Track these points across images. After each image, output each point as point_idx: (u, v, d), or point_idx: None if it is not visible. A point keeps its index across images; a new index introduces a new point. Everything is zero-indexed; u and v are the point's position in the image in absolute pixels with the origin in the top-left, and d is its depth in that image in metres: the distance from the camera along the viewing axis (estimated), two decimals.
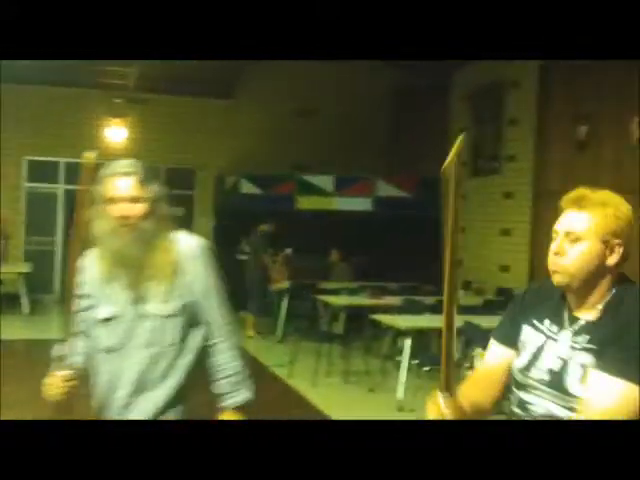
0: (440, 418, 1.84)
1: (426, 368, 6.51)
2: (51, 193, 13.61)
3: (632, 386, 1.77)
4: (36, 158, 13.38)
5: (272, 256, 10.80)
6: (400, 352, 7.23)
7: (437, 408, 1.84)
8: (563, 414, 1.89)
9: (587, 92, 9.20)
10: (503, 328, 2.11)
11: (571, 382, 1.88)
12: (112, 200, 2.38)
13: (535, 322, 2.03)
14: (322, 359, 7.87)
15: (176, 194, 14.07)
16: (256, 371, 8.93)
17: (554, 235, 1.96)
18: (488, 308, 8.17)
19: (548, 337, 1.98)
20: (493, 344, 2.11)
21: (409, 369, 6.84)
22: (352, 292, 9.36)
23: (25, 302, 11.51)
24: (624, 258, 1.91)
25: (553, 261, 1.94)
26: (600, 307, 1.91)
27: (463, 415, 1.87)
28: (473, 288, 10.89)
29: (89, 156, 2.40)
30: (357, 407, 6.92)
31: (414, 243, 10.69)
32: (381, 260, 11.43)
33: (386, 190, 12.29)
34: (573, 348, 1.90)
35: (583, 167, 9.29)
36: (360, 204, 12.37)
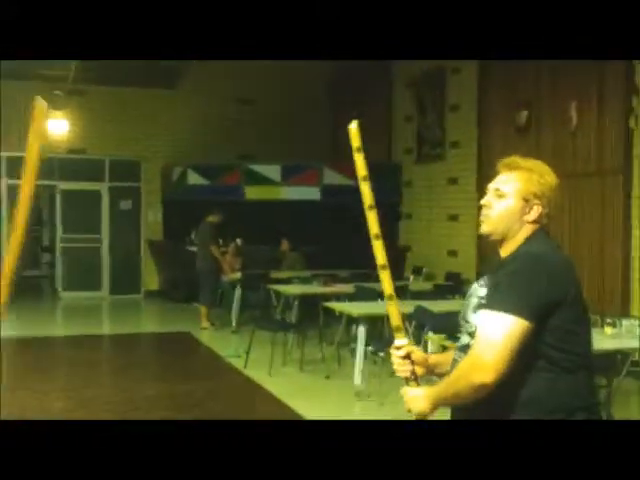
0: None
1: (381, 354, 6.65)
2: None
3: (500, 318, 2.03)
4: None
5: (222, 247, 10.83)
6: (354, 339, 7.36)
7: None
8: (467, 340, 2.21)
9: (526, 77, 9.43)
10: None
11: (469, 311, 2.24)
12: None
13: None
14: (277, 348, 7.96)
15: (123, 186, 13.97)
16: (212, 362, 9.00)
17: (486, 191, 2.26)
18: (438, 293, 8.38)
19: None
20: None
21: (364, 356, 6.97)
22: (304, 281, 9.46)
23: None
24: (541, 217, 2.21)
25: (482, 213, 2.25)
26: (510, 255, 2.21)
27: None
28: (423, 273, 11.10)
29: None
30: (315, 395, 7.04)
31: (362, 230, 10.80)
32: (330, 248, 11.56)
33: (332, 178, 12.40)
34: (480, 285, 2.24)
35: (524, 152, 9.47)
36: (308, 193, 12.45)
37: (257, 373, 7.71)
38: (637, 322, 5.75)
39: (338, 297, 8.64)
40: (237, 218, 11.12)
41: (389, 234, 11.02)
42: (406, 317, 6.04)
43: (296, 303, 8.50)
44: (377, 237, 2.27)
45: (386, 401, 6.40)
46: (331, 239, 11.78)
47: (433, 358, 2.40)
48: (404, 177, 12.32)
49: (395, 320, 2.28)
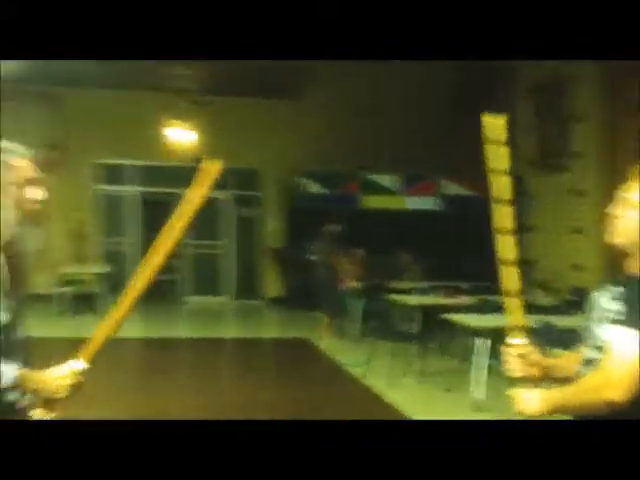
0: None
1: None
2: (120, 196, 14.04)
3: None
4: (104, 161, 13.78)
5: (342, 256, 10.93)
6: (476, 352, 7.30)
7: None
8: (593, 354, 2.15)
9: None
10: None
11: (594, 324, 2.17)
12: None
13: None
14: (397, 359, 7.99)
15: (243, 195, 14.35)
16: (332, 370, 9.08)
17: (616, 199, 2.13)
18: (563, 307, 8.19)
19: None
20: None
21: (489, 369, 6.90)
22: (424, 292, 9.44)
23: (103, 301, 11.89)
24: None
25: (611, 222, 2.13)
26: None
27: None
28: (549, 288, 10.87)
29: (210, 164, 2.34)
30: (433, 407, 7.03)
31: (482, 241, 10.67)
32: (450, 259, 11.48)
33: (451, 189, 12.34)
34: (603, 297, 2.16)
35: None
36: (426, 203, 12.44)
37: (376, 383, 7.77)
38: None
39: (459, 309, 8.58)
40: (356, 227, 11.22)
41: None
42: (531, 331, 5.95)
43: (418, 314, 8.49)
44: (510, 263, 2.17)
45: (507, 415, 6.31)
46: (450, 251, 11.70)
47: (551, 361, 2.33)
48: (524, 188, 12.11)
49: (514, 318, 2.21)
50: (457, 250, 11.60)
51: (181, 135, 13.63)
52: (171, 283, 16.78)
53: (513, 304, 2.19)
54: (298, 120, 13.95)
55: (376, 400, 7.22)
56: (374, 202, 12.46)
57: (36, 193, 2.17)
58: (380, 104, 13.67)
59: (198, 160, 2.43)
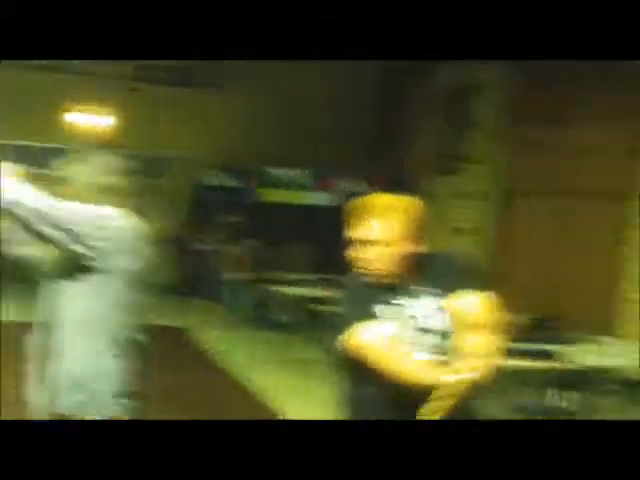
0: None
1: None
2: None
3: None
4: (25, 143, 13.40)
5: (235, 247, 10.96)
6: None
7: None
8: None
9: (551, 93, 9.35)
10: None
11: None
12: None
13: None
14: (269, 347, 8.04)
15: (147, 183, 14.15)
16: (205, 358, 8.96)
17: (363, 243, 2.33)
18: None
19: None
20: None
21: None
22: (308, 284, 9.51)
23: None
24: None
25: (374, 266, 2.31)
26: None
27: None
28: None
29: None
30: (300, 394, 7.12)
31: None
32: (341, 254, 11.59)
33: (350, 185, 12.48)
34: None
35: (541, 169, 9.48)
36: (324, 198, 12.55)
37: (247, 370, 7.80)
38: (620, 342, 5.76)
39: (329, 300, 8.68)
40: (253, 220, 11.25)
41: None
42: None
43: (295, 304, 8.56)
44: None
45: None
46: (342, 245, 11.82)
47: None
48: (423, 189, 12.31)
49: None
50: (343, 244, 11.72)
51: (100, 120, 13.42)
52: None
53: None
54: (207, 112, 13.84)
55: (242, 388, 7.26)
56: (273, 196, 12.51)
57: None
58: (292, 100, 13.69)
59: (107, 145, 2.48)
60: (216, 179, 12.67)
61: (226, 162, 13.01)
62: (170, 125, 13.80)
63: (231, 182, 12.68)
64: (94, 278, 2.45)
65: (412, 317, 2.30)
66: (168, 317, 11.70)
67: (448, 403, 2.13)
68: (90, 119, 13.33)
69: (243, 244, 11.33)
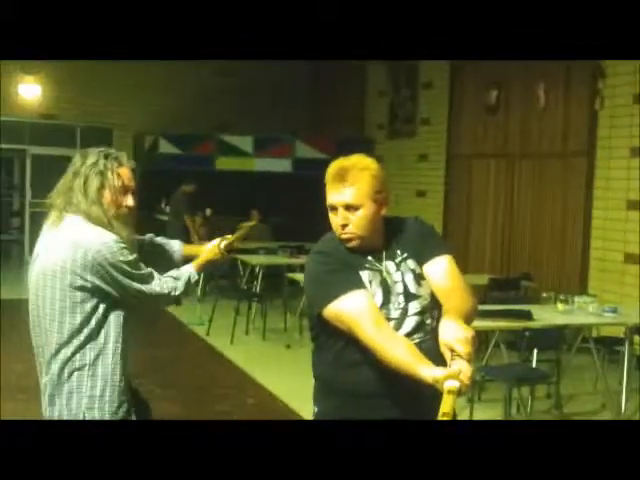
0: None
1: None
2: None
3: None
4: None
5: (192, 217, 10.84)
6: None
7: None
8: None
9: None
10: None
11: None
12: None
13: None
14: (240, 317, 8.04)
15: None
16: (175, 330, 9.03)
17: (334, 209, 2.33)
18: None
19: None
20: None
21: None
22: (271, 252, 9.51)
23: None
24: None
25: (343, 232, 2.32)
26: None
27: None
28: None
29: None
30: (274, 363, 7.15)
31: None
32: (299, 221, 11.60)
33: (305, 151, 12.43)
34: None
35: (492, 131, 9.64)
36: (279, 165, 12.48)
37: (219, 341, 7.80)
38: (590, 300, 5.86)
39: (303, 268, 8.71)
40: (208, 189, 11.11)
41: None
42: None
43: (261, 273, 8.55)
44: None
45: None
46: (300, 212, 11.82)
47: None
48: (376, 152, 12.37)
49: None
50: (308, 211, 11.73)
51: (27, 90, 13.05)
52: (15, 243, 16.14)
53: None
54: (158, 80, 13.57)
55: (219, 358, 7.26)
56: (228, 164, 12.37)
57: (129, 200, 2.64)
58: (241, 65, 13.54)
59: (52, 116, 2.49)
60: (171, 148, 12.44)
61: (178, 131, 12.82)
62: (114, 96, 13.52)
63: (187, 151, 12.46)
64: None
65: (393, 281, 2.33)
66: None
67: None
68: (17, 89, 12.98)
69: (200, 213, 11.24)
